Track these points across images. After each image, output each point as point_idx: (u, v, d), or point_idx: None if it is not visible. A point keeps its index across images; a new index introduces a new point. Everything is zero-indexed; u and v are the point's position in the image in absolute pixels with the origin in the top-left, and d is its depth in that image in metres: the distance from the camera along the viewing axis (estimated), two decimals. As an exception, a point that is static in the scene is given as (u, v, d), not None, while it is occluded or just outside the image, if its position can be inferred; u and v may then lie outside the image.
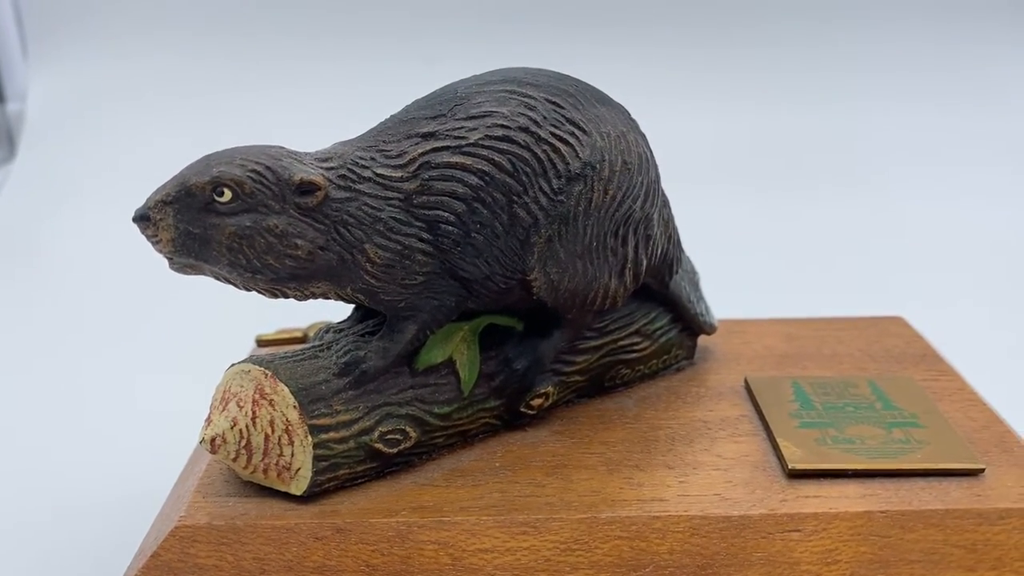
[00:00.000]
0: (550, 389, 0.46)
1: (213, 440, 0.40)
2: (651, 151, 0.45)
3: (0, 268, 0.89)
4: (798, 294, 0.80)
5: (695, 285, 0.52)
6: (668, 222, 0.47)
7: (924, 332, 0.58)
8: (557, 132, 0.41)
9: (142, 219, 0.38)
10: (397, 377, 0.42)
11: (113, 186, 0.96)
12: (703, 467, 0.43)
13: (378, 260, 0.40)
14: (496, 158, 0.40)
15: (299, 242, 0.38)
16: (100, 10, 1.07)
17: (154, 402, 0.66)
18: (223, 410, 0.41)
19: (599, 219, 0.42)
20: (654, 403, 0.49)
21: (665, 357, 0.51)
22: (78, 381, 0.70)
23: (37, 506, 0.55)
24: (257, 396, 0.40)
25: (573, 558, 0.39)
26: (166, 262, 0.39)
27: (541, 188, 0.40)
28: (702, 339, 0.54)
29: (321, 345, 0.42)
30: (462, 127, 0.40)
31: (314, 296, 0.41)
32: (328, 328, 0.45)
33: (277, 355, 0.41)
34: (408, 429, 0.42)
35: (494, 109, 0.40)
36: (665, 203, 0.47)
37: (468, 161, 0.40)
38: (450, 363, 0.43)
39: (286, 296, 0.41)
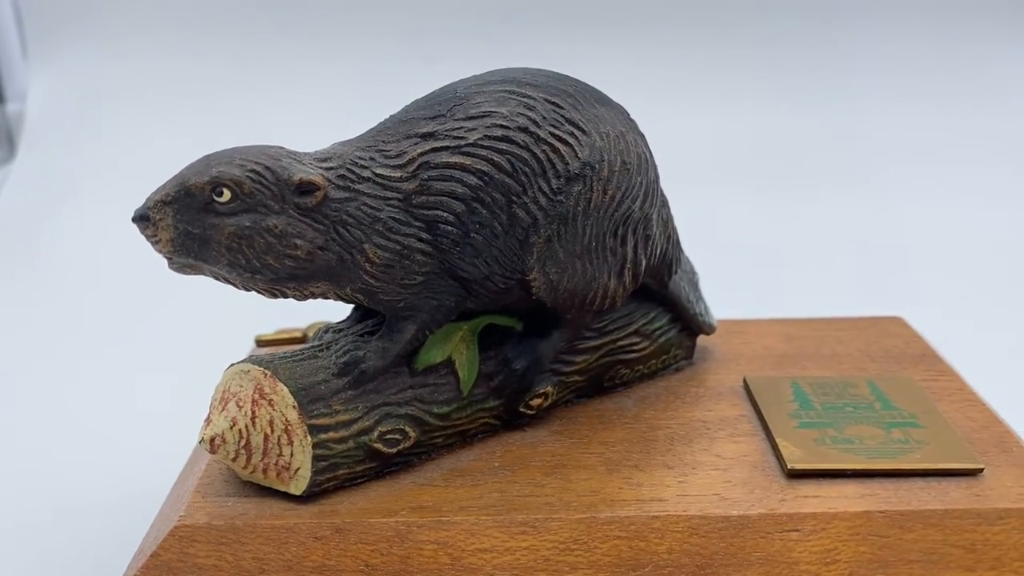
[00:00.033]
0: (549, 389, 0.46)
1: (212, 440, 0.40)
2: (650, 151, 0.45)
3: (0, 268, 0.89)
4: (797, 294, 0.80)
5: (694, 285, 0.52)
6: (667, 222, 0.47)
7: (923, 332, 0.58)
8: (556, 132, 0.41)
9: (142, 219, 0.38)
10: (396, 377, 0.42)
11: (113, 186, 0.96)
12: (702, 467, 0.43)
13: (377, 260, 0.40)
14: (495, 158, 0.40)
15: (298, 242, 0.38)
16: (100, 10, 1.07)
17: (154, 402, 0.66)
18: (222, 410, 0.41)
19: (598, 219, 0.42)
20: (653, 403, 0.49)
21: (664, 357, 0.51)
22: (78, 381, 0.70)
23: (37, 506, 0.55)
24: (256, 396, 0.40)
25: (572, 558, 0.39)
26: (166, 262, 0.39)
27: (540, 188, 0.40)
28: (701, 339, 0.54)
29: (320, 345, 0.42)
30: (461, 127, 0.40)
31: (313, 296, 0.41)
32: (327, 328, 0.45)
33: (276, 355, 0.41)
34: (407, 429, 0.42)
35: (493, 109, 0.40)
36: (664, 203, 0.47)
37: (467, 161, 0.40)
38: (449, 363, 0.43)
39: (285, 296, 0.41)
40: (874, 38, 1.08)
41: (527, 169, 0.40)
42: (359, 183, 0.40)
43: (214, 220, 0.38)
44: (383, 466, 0.42)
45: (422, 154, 0.40)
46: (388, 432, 0.41)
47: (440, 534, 0.39)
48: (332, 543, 0.39)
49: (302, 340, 0.54)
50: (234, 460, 0.40)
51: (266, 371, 0.40)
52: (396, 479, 0.42)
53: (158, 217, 0.38)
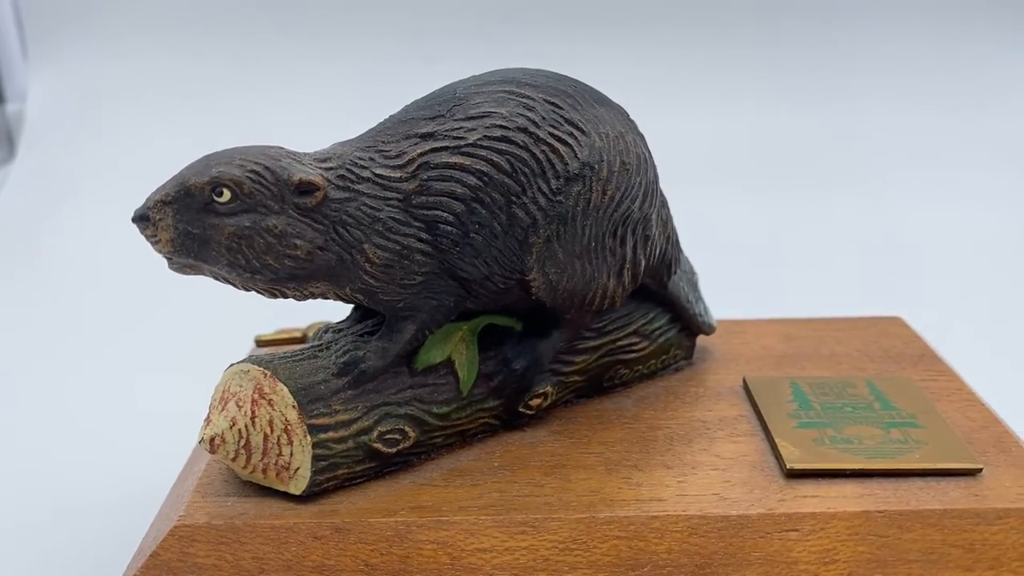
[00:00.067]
0: (549, 389, 0.46)
1: (212, 440, 0.40)
2: (649, 151, 0.45)
3: (0, 268, 0.89)
4: (797, 294, 0.80)
5: (694, 285, 0.52)
6: (667, 222, 0.47)
7: (922, 332, 0.58)
8: (556, 133, 0.41)
9: (141, 219, 0.38)
10: (396, 377, 0.42)
11: (113, 186, 0.96)
12: (701, 467, 0.43)
13: (377, 260, 0.40)
14: (495, 158, 0.40)
15: (298, 242, 0.38)
16: (100, 10, 1.07)
17: (154, 402, 0.66)
18: (222, 410, 0.41)
19: (597, 219, 0.42)
20: (653, 403, 0.49)
21: (664, 357, 0.51)
22: (78, 381, 0.71)
23: (37, 506, 0.55)
24: (256, 396, 0.40)
25: (571, 558, 0.39)
26: (165, 262, 0.39)
27: (540, 188, 0.40)
28: (701, 339, 0.54)
29: (320, 345, 0.42)
30: (461, 127, 0.40)
31: (313, 296, 0.41)
32: (327, 328, 0.45)
33: (276, 355, 0.41)
34: (407, 429, 0.42)
35: (493, 110, 0.40)
36: (663, 203, 0.47)
37: (467, 161, 0.40)
38: (449, 363, 0.43)
39: (285, 296, 0.41)
40: (874, 39, 1.08)
41: (526, 169, 0.40)
42: (359, 183, 0.40)
43: (214, 220, 0.38)
44: (383, 466, 0.42)
45: (422, 154, 0.40)
46: (388, 432, 0.41)
47: (440, 534, 0.39)
48: (332, 543, 0.39)
49: (302, 340, 0.54)
50: (234, 460, 0.40)
51: (266, 371, 0.40)
52: (396, 479, 0.42)
53: (158, 217, 0.38)
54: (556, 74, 0.43)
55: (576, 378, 0.48)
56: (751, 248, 0.89)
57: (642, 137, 0.44)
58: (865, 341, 0.55)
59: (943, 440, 0.43)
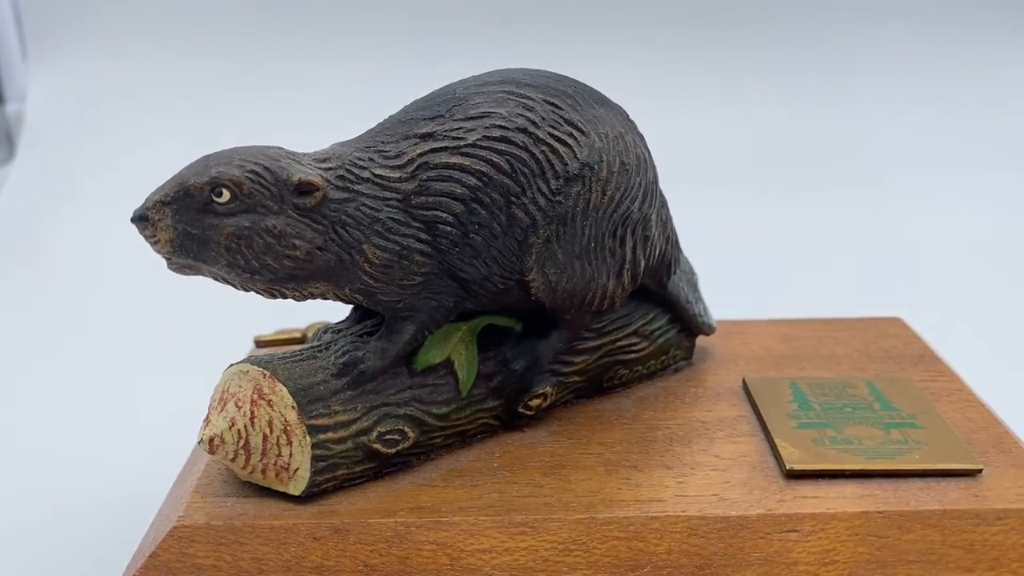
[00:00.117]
0: (548, 390, 0.46)
1: (211, 440, 0.40)
2: (649, 152, 0.45)
3: (0, 268, 0.89)
4: (796, 295, 0.80)
5: (693, 286, 0.52)
6: (666, 223, 0.47)
7: (922, 333, 0.58)
8: (555, 133, 0.41)
9: (141, 219, 0.38)
10: (395, 377, 0.42)
11: (112, 186, 0.96)
12: (701, 467, 0.43)
13: (376, 260, 0.40)
14: (494, 159, 0.40)
15: (297, 242, 0.38)
16: (100, 10, 1.07)
17: (153, 402, 0.66)
18: (221, 410, 0.41)
19: (597, 220, 0.42)
20: (652, 404, 0.49)
21: (663, 358, 0.51)
22: (78, 381, 0.71)
23: (37, 506, 0.55)
24: (255, 396, 0.40)
25: (571, 558, 0.39)
26: (164, 262, 0.39)
27: (539, 189, 0.40)
28: (700, 340, 0.54)
29: (319, 345, 0.42)
30: (460, 128, 0.40)
31: (312, 296, 0.41)
32: (326, 328, 0.45)
33: (275, 355, 0.41)
34: (406, 429, 0.42)
35: (492, 110, 0.40)
36: (663, 204, 0.47)
37: (466, 162, 0.40)
38: (448, 363, 0.43)
39: (284, 296, 0.41)
40: (874, 40, 1.08)
41: (526, 170, 0.40)
42: (358, 184, 0.40)
43: (213, 220, 0.38)
44: (382, 466, 0.42)
45: (421, 155, 0.40)
46: (387, 432, 0.41)
47: (439, 534, 0.39)
48: (331, 543, 0.39)
49: (301, 340, 0.54)
50: (233, 460, 0.40)
51: (265, 371, 0.40)
52: (395, 479, 0.42)
53: (157, 217, 0.38)
54: (556, 74, 0.43)
55: (576, 378, 0.48)
56: (751, 249, 0.89)
57: (642, 137, 0.44)
58: (865, 342, 0.55)
59: (943, 441, 0.43)
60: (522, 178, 0.40)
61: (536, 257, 0.41)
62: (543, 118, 0.41)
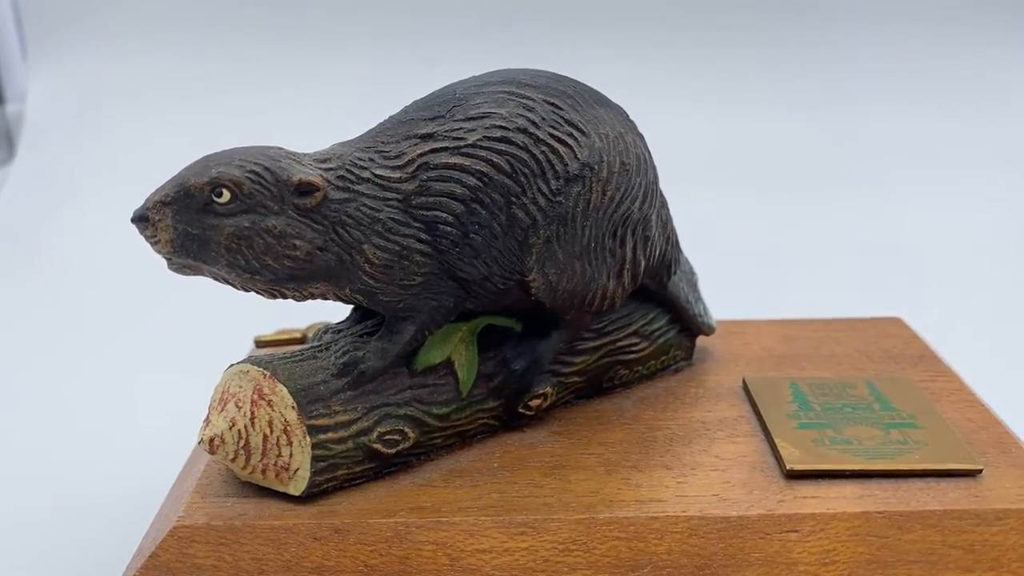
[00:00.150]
0: (548, 390, 0.46)
1: (212, 440, 0.40)
2: (649, 152, 0.45)
3: (0, 268, 0.89)
4: (796, 295, 0.80)
5: (693, 286, 0.52)
6: (666, 223, 0.47)
7: (922, 333, 0.58)
8: (555, 133, 0.41)
9: (141, 220, 0.38)
10: (396, 378, 0.42)
11: (113, 186, 0.96)
12: (701, 468, 0.43)
13: (376, 261, 0.40)
14: (494, 159, 0.40)
15: (297, 243, 0.38)
16: (100, 10, 1.07)
17: (153, 402, 0.66)
18: (222, 410, 0.41)
19: (597, 220, 0.42)
20: (652, 404, 0.49)
21: (663, 358, 0.51)
22: (78, 381, 0.71)
23: (37, 506, 0.55)
24: (256, 397, 0.40)
25: (571, 559, 0.39)
26: (165, 262, 0.39)
27: (539, 189, 0.40)
28: (700, 340, 0.54)
29: (320, 346, 0.42)
30: (460, 128, 0.40)
31: (313, 297, 0.41)
32: (327, 329, 0.45)
33: (276, 356, 0.41)
34: (406, 430, 0.42)
35: (492, 110, 0.40)
36: (663, 204, 0.47)
37: (466, 162, 0.40)
38: (448, 364, 0.43)
39: (284, 297, 0.41)
40: (874, 40, 1.08)
41: (526, 170, 0.40)
42: (358, 184, 0.40)
43: (213, 221, 0.38)
44: (382, 467, 0.42)
45: (421, 155, 0.40)
46: (387, 433, 0.41)
47: (439, 535, 0.39)
48: (331, 544, 0.39)
49: (301, 341, 0.54)
50: (233, 460, 0.40)
51: (265, 371, 0.40)
52: (395, 480, 0.42)
53: (157, 218, 0.38)
54: (556, 75, 0.43)
55: (576, 379, 0.48)
56: (751, 249, 0.89)
57: (642, 138, 0.44)
58: (865, 342, 0.55)
59: (943, 441, 0.43)
60: (522, 178, 0.40)
61: (536, 257, 0.41)
62: (543, 118, 0.41)
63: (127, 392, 0.69)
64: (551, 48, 1.04)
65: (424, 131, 0.41)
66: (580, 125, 0.41)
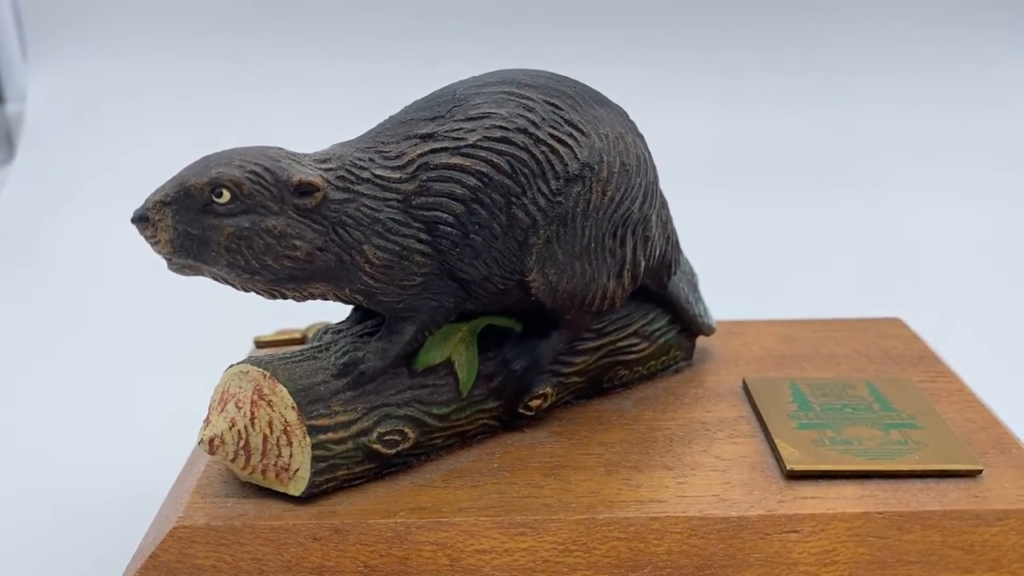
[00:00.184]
0: (548, 390, 0.46)
1: (211, 441, 0.40)
2: (649, 152, 0.45)
3: (0, 268, 0.89)
4: (796, 295, 0.80)
5: (693, 286, 0.52)
6: (666, 223, 0.47)
7: (922, 333, 0.58)
8: (555, 133, 0.41)
9: (141, 220, 0.38)
10: (396, 378, 0.42)
11: (113, 186, 0.96)
12: (701, 468, 0.43)
13: (376, 261, 0.40)
14: (494, 159, 0.40)
15: (297, 243, 0.38)
16: (100, 10, 1.07)
17: (153, 402, 0.66)
18: (221, 411, 0.41)
19: (597, 220, 0.42)
20: (652, 404, 0.49)
21: (664, 358, 0.51)
22: (78, 381, 0.71)
23: (37, 506, 0.55)
24: (255, 397, 0.40)
25: (571, 559, 0.39)
26: (165, 263, 0.39)
27: (539, 189, 0.40)
28: (700, 340, 0.54)
29: (320, 346, 0.42)
30: (460, 128, 0.40)
31: (312, 297, 0.41)
32: (327, 329, 0.45)
33: (276, 356, 0.41)
34: (406, 430, 0.42)
35: (492, 110, 0.40)
36: (663, 204, 0.47)
37: (466, 162, 0.40)
38: (448, 364, 0.43)
39: (284, 297, 0.41)
40: (874, 40, 1.08)
41: (526, 170, 0.40)
42: (358, 184, 0.40)
43: (213, 221, 0.38)
44: (382, 467, 0.42)
45: (421, 155, 0.40)
46: (387, 433, 0.41)
47: (439, 535, 0.39)
48: (331, 544, 0.39)
49: (301, 341, 0.54)
50: (233, 461, 0.40)
51: (265, 372, 0.40)
52: (395, 480, 0.42)
53: (157, 218, 0.38)
54: (556, 75, 0.43)
55: (576, 379, 0.48)
56: (751, 249, 0.89)
57: (642, 138, 0.44)
58: (865, 342, 0.55)
59: (943, 441, 0.43)
60: (522, 178, 0.40)
61: (536, 257, 0.41)
62: (543, 119, 0.41)
63: (127, 392, 0.69)
64: (551, 48, 1.04)
65: (424, 131, 0.41)
66: (580, 125, 0.41)
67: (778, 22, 1.07)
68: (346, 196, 0.39)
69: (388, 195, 0.40)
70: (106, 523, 0.53)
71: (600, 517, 0.39)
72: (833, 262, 0.87)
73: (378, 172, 0.40)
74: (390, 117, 0.42)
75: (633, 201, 0.43)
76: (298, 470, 0.40)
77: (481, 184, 0.40)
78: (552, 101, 0.41)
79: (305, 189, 0.38)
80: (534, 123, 0.40)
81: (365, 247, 0.39)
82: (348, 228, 0.39)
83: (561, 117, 0.41)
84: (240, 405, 0.40)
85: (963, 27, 1.07)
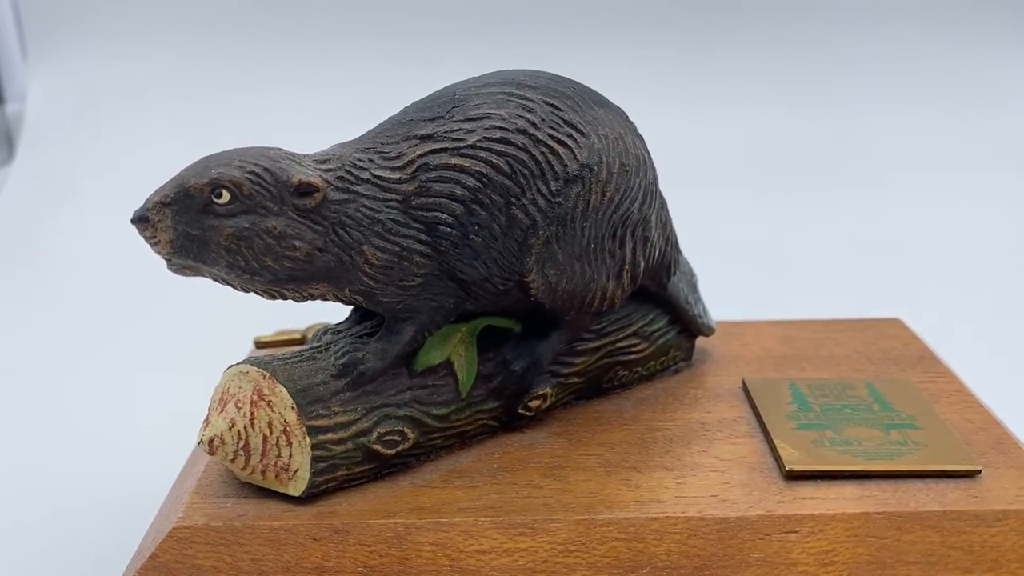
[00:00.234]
0: (548, 391, 0.46)
1: (211, 441, 0.40)
2: (649, 153, 0.45)
3: (0, 268, 0.89)
4: (796, 296, 0.80)
5: (693, 287, 0.52)
6: (666, 224, 0.47)
7: (922, 334, 0.58)
8: (555, 134, 0.41)
9: (141, 220, 0.38)
10: (395, 378, 0.42)
11: (112, 187, 0.96)
12: (701, 468, 0.43)
13: (376, 261, 0.40)
14: (494, 160, 0.40)
15: (297, 243, 0.38)
16: (100, 10, 1.07)
17: (153, 403, 0.66)
18: (221, 411, 0.41)
19: (597, 221, 0.42)
20: (652, 405, 0.49)
21: (663, 359, 0.51)
22: (78, 381, 0.71)
23: (37, 506, 0.55)
24: (255, 397, 0.40)
25: (571, 559, 0.39)
26: (164, 263, 0.39)
27: (539, 190, 0.41)
28: (700, 341, 0.54)
29: (319, 346, 0.42)
30: (460, 129, 0.40)
31: (312, 297, 0.41)
32: (326, 329, 0.45)
33: (275, 356, 0.41)
34: (406, 430, 0.42)
35: (492, 111, 0.40)
36: (663, 205, 0.47)
37: (466, 163, 0.40)
38: (448, 364, 0.43)
39: (284, 297, 0.41)
40: (873, 40, 1.08)
41: (526, 171, 0.40)
42: (358, 185, 0.40)
43: (213, 221, 0.38)
44: (382, 467, 0.42)
45: (421, 156, 0.40)
46: (387, 433, 0.41)
47: (439, 535, 0.39)
48: (331, 544, 0.39)
49: (301, 341, 0.54)
50: (233, 461, 0.40)
51: (265, 372, 0.40)
52: (395, 480, 0.42)
53: (157, 218, 0.38)
54: (555, 76, 0.43)
55: (575, 380, 0.48)
56: (751, 249, 0.89)
57: (641, 139, 0.44)
58: (864, 343, 0.55)
59: (942, 442, 0.43)
60: (522, 179, 0.40)
61: (536, 258, 0.41)
62: (543, 119, 0.41)
63: (127, 392, 0.69)
64: (551, 48, 1.04)
65: (424, 132, 0.41)
66: (579, 126, 0.41)
67: (778, 22, 1.07)
68: (346, 197, 0.39)
69: (388, 196, 0.40)
70: (106, 523, 0.53)
71: (599, 517, 0.39)
72: (833, 262, 0.87)
73: (378, 173, 0.40)
74: (390, 118, 0.42)
75: (632, 202, 0.43)
76: (298, 470, 0.40)
77: (481, 185, 0.40)
78: (551, 102, 0.41)
79: (305, 190, 0.38)
80: (534, 124, 0.40)
81: (365, 248, 0.40)
82: (348, 229, 0.39)
83: (560, 118, 0.41)
84: (240, 405, 0.40)
85: (963, 27, 1.07)
